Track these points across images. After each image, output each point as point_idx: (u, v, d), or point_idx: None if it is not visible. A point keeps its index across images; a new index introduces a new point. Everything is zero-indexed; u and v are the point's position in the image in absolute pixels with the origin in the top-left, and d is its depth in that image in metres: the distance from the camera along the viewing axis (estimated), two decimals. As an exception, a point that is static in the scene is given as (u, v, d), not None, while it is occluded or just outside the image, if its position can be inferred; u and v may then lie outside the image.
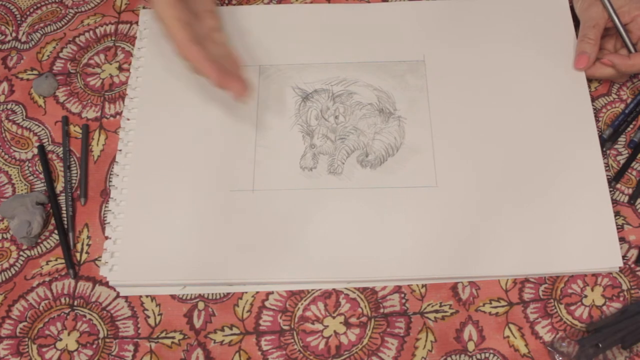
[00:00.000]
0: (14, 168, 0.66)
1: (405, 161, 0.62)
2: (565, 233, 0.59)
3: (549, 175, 0.61)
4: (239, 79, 0.60)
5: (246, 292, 0.59)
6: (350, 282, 0.59)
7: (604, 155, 0.64)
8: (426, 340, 0.57)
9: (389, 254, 0.58)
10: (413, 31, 0.69)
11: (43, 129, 0.67)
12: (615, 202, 0.61)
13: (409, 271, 0.58)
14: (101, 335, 0.58)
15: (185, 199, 0.61)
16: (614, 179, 0.62)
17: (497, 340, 0.57)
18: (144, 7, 0.72)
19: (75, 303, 0.60)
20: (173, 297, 0.59)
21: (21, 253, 0.62)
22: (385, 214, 0.60)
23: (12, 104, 0.69)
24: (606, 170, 0.62)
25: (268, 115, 0.65)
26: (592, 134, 0.63)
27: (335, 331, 0.58)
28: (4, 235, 0.63)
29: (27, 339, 0.59)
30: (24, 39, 0.72)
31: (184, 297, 0.59)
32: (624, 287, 0.58)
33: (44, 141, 0.67)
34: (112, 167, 0.65)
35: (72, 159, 0.66)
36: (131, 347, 0.58)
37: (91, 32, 0.72)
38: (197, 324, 0.58)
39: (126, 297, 0.60)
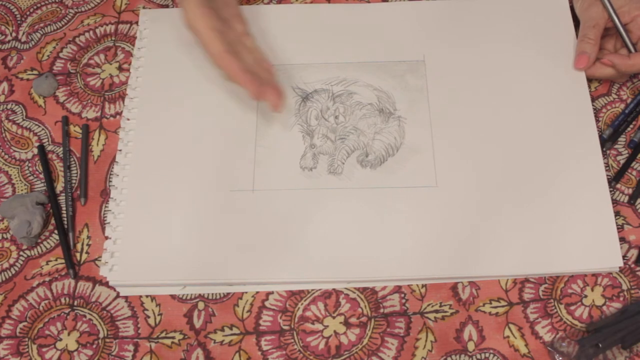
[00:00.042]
0: (14, 168, 0.66)
1: (405, 161, 0.62)
2: (565, 233, 0.59)
3: (549, 175, 0.61)
4: (274, 88, 0.60)
5: (246, 292, 0.59)
6: (350, 282, 0.59)
7: (604, 155, 0.64)
8: (426, 340, 0.57)
9: (389, 254, 0.58)
10: (413, 31, 0.69)
11: (43, 129, 0.67)
12: (615, 202, 0.61)
13: (409, 271, 0.58)
14: (101, 335, 0.58)
15: (185, 199, 0.61)
16: (614, 179, 0.62)
17: (497, 340, 0.57)
18: (144, 7, 0.72)
19: (75, 303, 0.60)
20: (173, 297, 0.59)
21: (21, 253, 0.62)
22: (385, 214, 0.60)
23: (12, 104, 0.69)
24: (606, 170, 0.62)
25: (268, 115, 0.65)
26: (592, 134, 0.63)
27: (335, 331, 0.58)
28: (4, 235, 0.63)
29: (27, 339, 0.58)
30: (24, 39, 0.72)
31: (184, 297, 0.59)
32: (624, 287, 0.58)
33: (44, 141, 0.67)
34: (112, 167, 0.65)
35: (72, 159, 0.66)
36: (131, 347, 0.58)
37: (91, 32, 0.72)
38: (197, 324, 0.58)
39: (126, 297, 0.60)
